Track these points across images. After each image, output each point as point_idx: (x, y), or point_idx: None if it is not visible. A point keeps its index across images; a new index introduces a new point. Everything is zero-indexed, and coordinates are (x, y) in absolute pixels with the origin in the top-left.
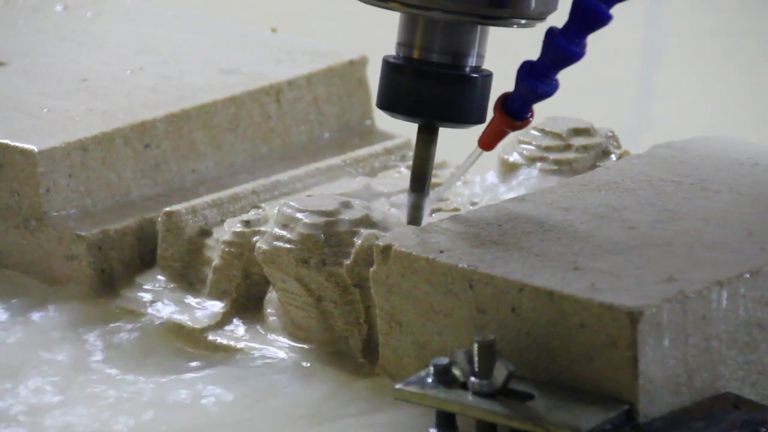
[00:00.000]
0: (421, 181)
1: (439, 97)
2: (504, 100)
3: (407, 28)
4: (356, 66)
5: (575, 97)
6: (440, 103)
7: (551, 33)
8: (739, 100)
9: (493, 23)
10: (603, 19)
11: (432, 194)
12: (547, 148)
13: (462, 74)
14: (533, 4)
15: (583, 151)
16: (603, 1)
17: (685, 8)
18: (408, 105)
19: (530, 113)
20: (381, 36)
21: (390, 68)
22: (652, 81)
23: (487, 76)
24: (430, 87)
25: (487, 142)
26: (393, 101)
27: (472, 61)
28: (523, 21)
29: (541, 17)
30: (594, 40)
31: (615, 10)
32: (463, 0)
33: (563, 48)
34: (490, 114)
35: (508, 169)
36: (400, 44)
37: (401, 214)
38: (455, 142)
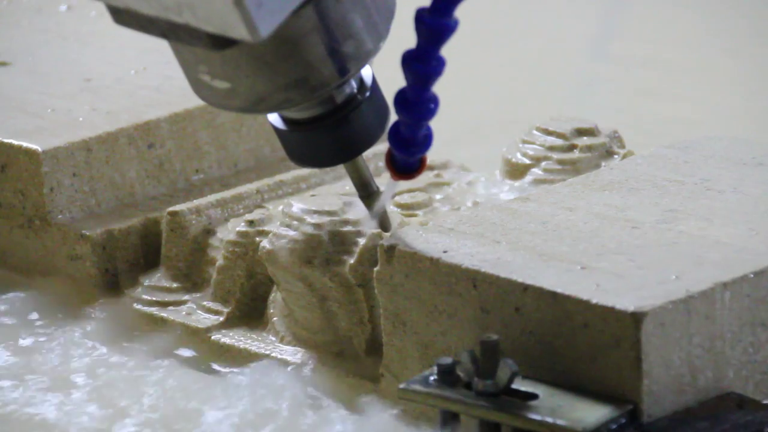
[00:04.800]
0: (365, 186)
1: (328, 144)
2: (390, 155)
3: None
4: None
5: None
6: (335, 149)
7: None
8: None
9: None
10: (448, 30)
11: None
12: (551, 148)
13: (323, 122)
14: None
15: (587, 151)
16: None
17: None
18: (309, 159)
19: (418, 160)
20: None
21: (280, 132)
22: (655, 81)
23: (356, 108)
24: (314, 140)
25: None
26: (302, 158)
27: (341, 98)
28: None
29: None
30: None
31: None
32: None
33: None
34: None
35: (512, 169)
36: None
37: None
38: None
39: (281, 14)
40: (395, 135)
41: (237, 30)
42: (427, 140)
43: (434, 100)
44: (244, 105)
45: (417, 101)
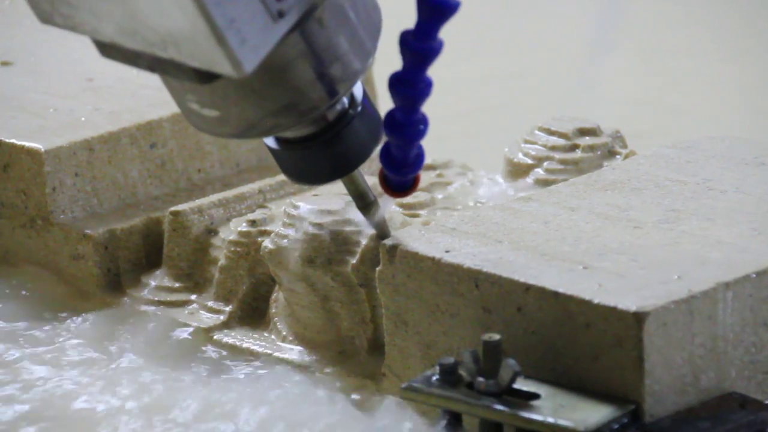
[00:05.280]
0: (362, 198)
1: (321, 162)
2: (384, 176)
3: None
4: None
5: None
6: (330, 167)
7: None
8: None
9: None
10: (433, 54)
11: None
12: (553, 148)
13: (314, 141)
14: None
15: (589, 151)
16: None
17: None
18: (310, 176)
19: (412, 179)
20: (386, 36)
21: (276, 152)
22: (658, 81)
23: (348, 124)
24: (309, 157)
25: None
26: (300, 176)
27: (332, 116)
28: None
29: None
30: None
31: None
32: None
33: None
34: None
35: (514, 169)
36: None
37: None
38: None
39: (265, 48)
40: (386, 156)
41: (221, 66)
42: (418, 160)
43: (424, 121)
44: (235, 132)
45: (406, 123)
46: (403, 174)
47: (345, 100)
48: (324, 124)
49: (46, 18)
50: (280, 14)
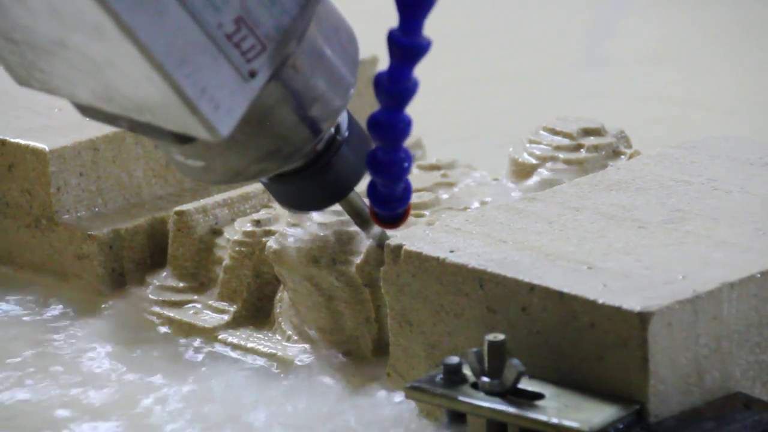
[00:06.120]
0: (359, 214)
1: (315, 191)
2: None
3: None
4: (366, 66)
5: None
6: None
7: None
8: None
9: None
10: (413, 92)
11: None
12: (557, 148)
13: (307, 170)
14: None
15: (593, 151)
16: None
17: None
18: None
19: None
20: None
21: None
22: (663, 81)
23: (337, 151)
24: (305, 186)
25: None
26: (296, 204)
27: (320, 145)
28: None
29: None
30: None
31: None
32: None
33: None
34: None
35: (519, 169)
36: None
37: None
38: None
39: (240, 109)
40: (374, 193)
41: (197, 131)
42: (406, 193)
43: (407, 158)
44: (222, 179)
45: (390, 162)
46: (391, 209)
47: (331, 128)
48: (313, 155)
49: (22, 81)
50: (252, 74)
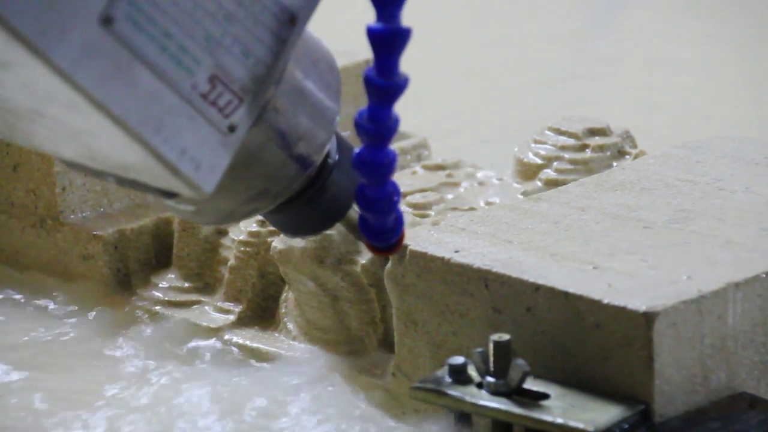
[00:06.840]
0: (356, 230)
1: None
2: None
3: None
4: (362, 68)
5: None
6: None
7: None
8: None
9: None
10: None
11: None
12: (562, 148)
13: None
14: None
15: (599, 151)
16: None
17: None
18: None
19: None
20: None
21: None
22: (668, 80)
23: (329, 175)
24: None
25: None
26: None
27: (312, 171)
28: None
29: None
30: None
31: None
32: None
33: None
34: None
35: (524, 169)
36: None
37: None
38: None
39: (222, 165)
40: (365, 226)
41: (181, 189)
42: (397, 224)
43: (395, 191)
44: (213, 221)
45: (377, 198)
46: (384, 240)
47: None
48: (305, 181)
49: (7, 136)
50: (231, 129)
